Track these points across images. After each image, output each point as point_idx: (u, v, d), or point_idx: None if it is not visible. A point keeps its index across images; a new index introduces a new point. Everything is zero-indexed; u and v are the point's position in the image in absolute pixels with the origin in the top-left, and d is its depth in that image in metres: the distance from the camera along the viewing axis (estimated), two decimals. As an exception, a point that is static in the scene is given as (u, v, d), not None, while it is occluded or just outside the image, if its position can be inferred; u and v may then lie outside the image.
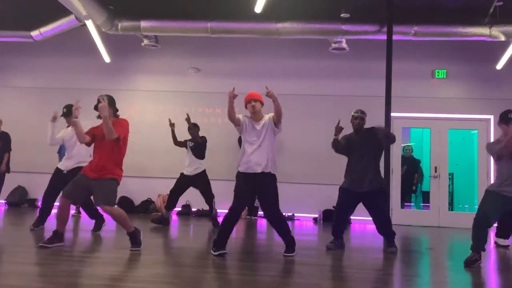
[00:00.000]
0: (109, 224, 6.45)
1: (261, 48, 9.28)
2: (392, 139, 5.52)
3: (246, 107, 4.99)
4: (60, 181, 5.86)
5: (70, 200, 4.80)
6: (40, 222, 6.00)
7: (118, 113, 4.94)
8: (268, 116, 4.93)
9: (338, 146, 5.45)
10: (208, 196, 7.20)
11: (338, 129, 5.45)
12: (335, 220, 5.57)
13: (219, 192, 7.49)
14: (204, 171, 7.22)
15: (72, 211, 8.25)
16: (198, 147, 7.18)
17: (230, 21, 8.15)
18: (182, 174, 7.23)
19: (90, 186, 4.72)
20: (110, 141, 4.66)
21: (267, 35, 8.30)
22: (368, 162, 5.35)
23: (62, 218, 4.79)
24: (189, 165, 7.19)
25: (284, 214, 5.04)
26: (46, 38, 8.80)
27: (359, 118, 5.50)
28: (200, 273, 4.06)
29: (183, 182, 7.17)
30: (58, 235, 4.79)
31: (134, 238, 4.85)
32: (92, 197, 4.99)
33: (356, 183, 5.33)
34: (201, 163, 7.22)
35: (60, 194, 5.05)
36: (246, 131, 4.88)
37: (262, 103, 4.98)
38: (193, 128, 7.28)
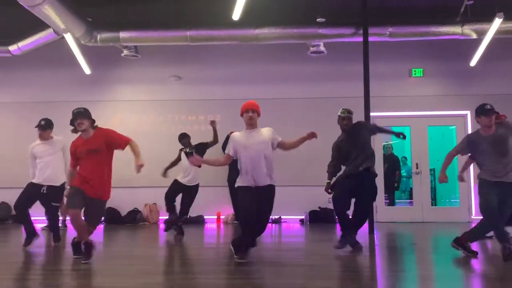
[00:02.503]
0: (96, 236, 6.42)
1: (241, 54, 9.36)
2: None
3: (242, 115, 4.78)
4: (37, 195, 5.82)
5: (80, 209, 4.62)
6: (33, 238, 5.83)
7: (97, 124, 4.89)
8: (267, 130, 4.80)
9: (334, 171, 5.51)
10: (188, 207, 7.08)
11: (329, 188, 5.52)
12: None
13: (204, 199, 7.56)
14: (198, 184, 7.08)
15: (43, 225, 8.22)
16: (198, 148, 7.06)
17: (209, 29, 8.23)
18: (176, 180, 7.03)
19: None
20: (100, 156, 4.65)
21: (246, 41, 8.40)
22: (360, 156, 5.43)
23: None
24: (187, 174, 7.00)
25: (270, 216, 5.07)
26: (25, 52, 8.74)
27: (346, 119, 5.48)
28: (190, 279, 4.11)
29: (177, 188, 7.02)
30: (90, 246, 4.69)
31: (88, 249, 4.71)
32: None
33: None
34: (198, 174, 7.05)
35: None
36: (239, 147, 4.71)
37: (259, 114, 4.79)
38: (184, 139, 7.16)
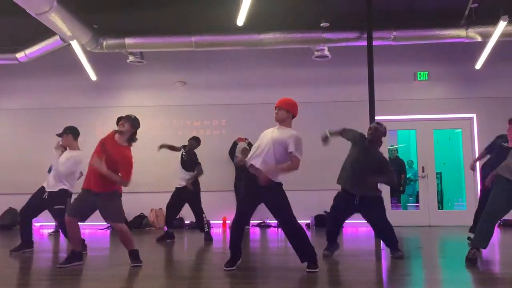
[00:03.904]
0: (102, 241, 6.46)
1: (245, 59, 9.40)
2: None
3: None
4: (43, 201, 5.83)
5: (77, 218, 4.73)
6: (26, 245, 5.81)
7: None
8: (291, 134, 4.79)
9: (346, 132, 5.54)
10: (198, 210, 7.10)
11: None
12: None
13: (210, 204, 7.55)
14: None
15: (50, 230, 8.30)
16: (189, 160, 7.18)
17: (213, 35, 8.27)
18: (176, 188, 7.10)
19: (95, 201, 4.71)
20: None
21: (250, 46, 8.43)
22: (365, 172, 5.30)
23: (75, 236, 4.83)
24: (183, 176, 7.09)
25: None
26: (32, 59, 8.82)
27: (372, 129, 5.50)
28: (195, 284, 4.11)
29: (178, 194, 7.08)
30: (76, 255, 4.81)
31: (135, 255, 4.86)
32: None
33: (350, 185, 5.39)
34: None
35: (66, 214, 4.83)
36: None
37: (288, 111, 4.90)
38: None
